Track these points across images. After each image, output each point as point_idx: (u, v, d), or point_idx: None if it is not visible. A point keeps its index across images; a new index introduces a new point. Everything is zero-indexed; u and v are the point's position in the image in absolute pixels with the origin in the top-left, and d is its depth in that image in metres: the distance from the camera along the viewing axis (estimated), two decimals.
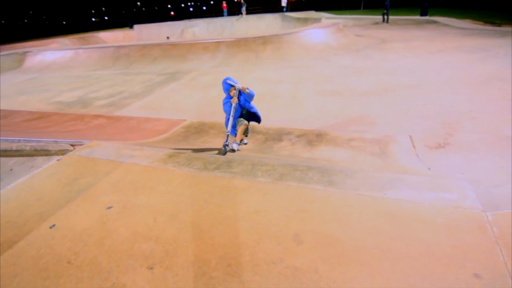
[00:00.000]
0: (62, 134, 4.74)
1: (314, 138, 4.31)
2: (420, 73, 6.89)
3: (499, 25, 12.86)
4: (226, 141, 3.44)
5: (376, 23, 17.73)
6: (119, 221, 2.22)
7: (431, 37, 11.56)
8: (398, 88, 5.99)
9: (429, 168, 3.27)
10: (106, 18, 71.51)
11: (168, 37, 21.25)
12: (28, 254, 2.03)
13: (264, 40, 10.66)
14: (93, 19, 71.40)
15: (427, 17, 17.52)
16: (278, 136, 4.42)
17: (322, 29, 11.56)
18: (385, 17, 17.45)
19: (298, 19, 20.10)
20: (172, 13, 56.84)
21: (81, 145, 3.50)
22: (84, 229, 2.18)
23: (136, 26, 24.85)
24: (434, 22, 15.65)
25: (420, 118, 4.61)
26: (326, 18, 19.18)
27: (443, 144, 3.92)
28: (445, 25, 14.44)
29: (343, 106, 5.39)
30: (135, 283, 1.69)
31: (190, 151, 3.32)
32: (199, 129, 4.98)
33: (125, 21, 35.73)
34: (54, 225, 2.27)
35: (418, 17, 17.97)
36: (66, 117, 6.16)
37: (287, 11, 20.73)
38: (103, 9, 76.52)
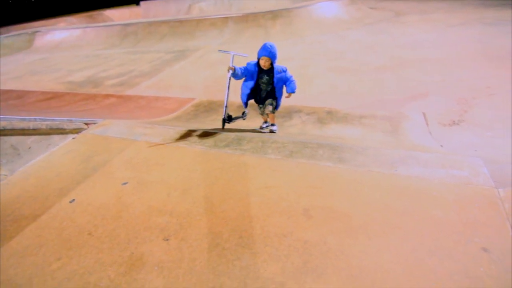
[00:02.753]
0: (76, 114, 4.84)
1: (325, 115, 4.26)
2: (438, 48, 6.58)
3: None
4: (224, 115, 3.28)
5: None
6: (135, 195, 2.31)
7: (451, 9, 10.89)
8: (413, 64, 5.77)
9: (441, 146, 3.21)
10: None
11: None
12: (51, 226, 2.15)
13: (274, 15, 10.29)
14: None
15: None
16: (288, 114, 4.39)
17: (334, 2, 11.03)
18: None
19: None
20: None
21: (94, 123, 3.58)
22: (101, 203, 2.29)
23: (142, 3, 24.24)
24: None
25: (435, 94, 4.47)
26: None
27: (458, 121, 3.82)
28: None
29: (355, 83, 5.26)
30: (152, 253, 1.78)
31: (200, 129, 3.35)
32: (209, 107, 4.99)
33: None
34: (73, 199, 2.39)
35: None
36: (78, 96, 6.25)
37: None
38: None
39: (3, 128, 2.85)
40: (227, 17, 10.69)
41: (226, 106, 3.23)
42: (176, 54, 8.84)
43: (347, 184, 2.13)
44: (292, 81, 3.18)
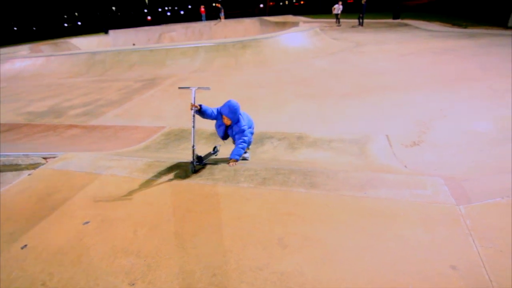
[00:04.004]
0: (34, 147, 4.51)
1: (296, 140, 4.35)
2: (394, 75, 7.16)
3: (465, 27, 13.62)
4: (193, 157, 2.85)
5: (352, 26, 18.28)
6: (97, 236, 2.13)
7: (404, 40, 12.05)
8: (374, 90, 6.19)
9: (405, 166, 3.38)
10: (79, 23, 69.12)
11: (134, 44, 20.87)
12: None
13: (243, 45, 10.69)
14: (66, 25, 68.79)
15: (399, 20, 18.29)
16: (259, 140, 4.43)
17: (300, 33, 11.76)
18: (361, 20, 18.02)
19: (276, 23, 20.37)
20: (149, 17, 55.89)
21: (54, 157, 3.34)
22: (59, 247, 2.08)
23: (111, 32, 24.23)
24: (406, 25, 16.35)
25: (396, 118, 4.78)
26: (304, 22, 19.56)
27: (418, 142, 4.08)
28: (416, 27, 15.11)
29: (323, 109, 5.49)
30: None
31: (171, 159, 3.25)
32: (180, 136, 4.90)
33: (99, 26, 34.75)
34: (25, 245, 2.15)
35: (391, 20, 18.73)
36: (37, 128, 5.87)
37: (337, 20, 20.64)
38: (76, 14, 73.95)
39: None
40: (197, 46, 10.92)
41: (193, 147, 2.83)
42: (145, 83, 8.74)
43: (320, 209, 2.13)
44: (237, 147, 2.98)
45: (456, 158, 3.50)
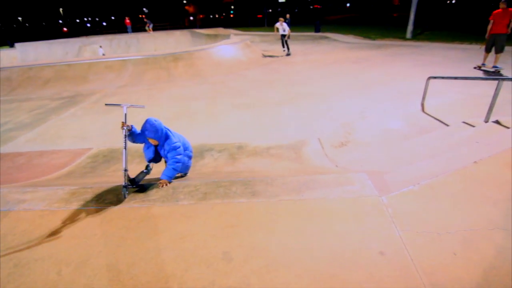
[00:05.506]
0: None
1: (236, 150, 4.39)
2: (320, 82, 7.83)
3: (374, 39, 15.74)
4: (125, 181, 2.58)
5: (279, 39, 19.46)
6: (11, 284, 1.79)
7: (326, 51, 13.32)
8: (304, 97, 6.66)
9: (336, 165, 3.70)
10: None
11: (101, 46, 18.90)
12: None
13: (175, 57, 10.44)
14: None
15: (320, 33, 20.17)
16: (199, 153, 4.33)
17: (232, 45, 12.02)
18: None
19: (208, 35, 20.47)
20: (65, 29, 50.58)
21: None
22: None
23: (18, 45, 21.09)
24: (326, 37, 18.12)
25: (325, 122, 5.21)
26: (235, 34, 20.09)
27: (345, 142, 4.52)
28: (335, 40, 16.87)
29: (260, 117, 5.67)
30: None
31: (99, 183, 2.94)
32: (109, 157, 4.49)
33: (3, 38, 30.02)
34: None
35: (313, 33, 20.52)
36: None
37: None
38: None
39: None
40: (125, 60, 10.26)
41: (125, 170, 2.57)
42: (64, 101, 7.82)
43: (262, 217, 2.18)
44: (169, 166, 2.76)
45: (377, 154, 3.97)
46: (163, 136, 2.74)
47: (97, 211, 2.41)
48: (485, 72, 7.38)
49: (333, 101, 6.22)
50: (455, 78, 5.08)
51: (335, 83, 7.59)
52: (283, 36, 12.46)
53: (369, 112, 5.48)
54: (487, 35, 7.23)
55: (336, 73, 8.73)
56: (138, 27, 27.42)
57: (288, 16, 19.35)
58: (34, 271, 1.89)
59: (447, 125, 4.64)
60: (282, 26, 12.24)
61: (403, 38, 14.89)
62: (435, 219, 2.02)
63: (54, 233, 2.20)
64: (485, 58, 7.61)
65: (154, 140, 2.74)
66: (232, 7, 67.74)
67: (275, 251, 1.87)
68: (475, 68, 7.76)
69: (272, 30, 14.07)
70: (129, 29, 25.06)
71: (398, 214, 2.07)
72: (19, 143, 5.24)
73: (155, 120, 2.70)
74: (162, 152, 2.84)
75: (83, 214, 2.37)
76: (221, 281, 1.69)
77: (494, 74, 7.04)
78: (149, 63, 10.14)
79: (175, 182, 2.78)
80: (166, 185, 2.70)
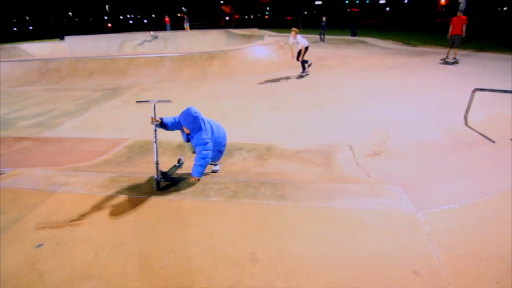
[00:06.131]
0: None
1: (265, 152, 4.39)
2: (354, 87, 7.61)
3: (414, 45, 15.03)
4: (157, 174, 2.68)
5: (314, 42, 19.21)
6: (53, 260, 1.94)
7: (361, 55, 12.94)
8: (336, 101, 6.51)
9: (368, 175, 3.58)
10: (30, 28, 64.17)
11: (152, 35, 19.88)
12: None
13: (210, 56, 10.69)
14: (15, 29, 63.43)
15: (356, 38, 19.63)
16: (229, 151, 4.39)
17: (265, 46, 12.07)
18: (322, 36, 19.04)
19: (243, 35, 20.72)
20: (109, 25, 53.77)
21: (1, 174, 3.00)
22: (8, 274, 1.85)
23: (67, 38, 22.77)
24: (363, 42, 17.61)
25: (357, 129, 5.06)
26: (269, 35, 20.15)
27: (378, 151, 4.35)
28: (372, 45, 16.34)
29: (289, 119, 5.64)
30: None
31: (135, 173, 3.09)
32: (144, 148, 4.69)
33: (54, 32, 32.58)
34: None
35: (349, 37, 20.04)
36: None
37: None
38: (27, 18, 68.59)
39: None
40: (163, 56, 10.69)
41: (157, 163, 2.66)
42: (106, 92, 8.31)
43: (290, 221, 2.16)
44: (196, 164, 2.80)
45: (412, 167, 3.78)
46: (196, 128, 2.78)
47: (132, 199, 2.53)
48: (448, 63, 9.87)
49: (367, 108, 6.02)
50: (504, 91, 4.70)
51: (370, 89, 7.34)
52: (298, 54, 9.00)
53: (406, 121, 5.23)
54: (448, 36, 9.86)
55: (372, 79, 8.45)
56: (177, 26, 28.42)
57: (324, 18, 19.08)
58: (74, 250, 2.03)
59: (493, 141, 4.30)
60: (296, 40, 8.66)
61: (447, 45, 14.06)
62: (477, 243, 1.88)
63: (93, 216, 2.35)
64: (448, 53, 10.22)
65: (186, 129, 2.82)
66: (268, 8, 68.03)
67: (302, 257, 1.85)
68: (440, 61, 10.21)
69: (306, 32, 13.76)
70: (168, 27, 26.05)
71: (436, 232, 1.96)
72: (64, 129, 5.65)
73: (195, 112, 2.74)
74: (192, 142, 2.92)
75: (119, 201, 2.51)
76: (247, 281, 1.70)
77: (454, 64, 9.64)
78: (185, 61, 10.47)
79: (206, 178, 2.84)
80: (197, 181, 2.77)
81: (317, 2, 63.22)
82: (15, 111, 7.01)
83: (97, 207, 2.46)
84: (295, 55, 9.03)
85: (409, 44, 15.49)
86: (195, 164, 2.80)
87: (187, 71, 10.12)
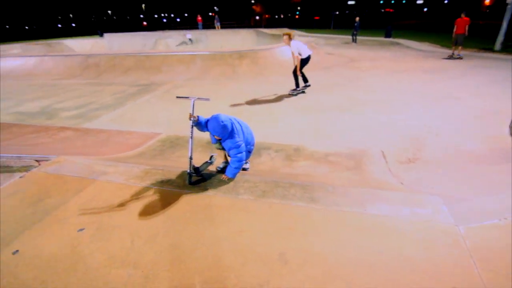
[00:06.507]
0: (25, 148, 4.38)
1: (293, 152, 4.37)
2: (387, 91, 7.34)
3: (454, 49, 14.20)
4: (190, 169, 2.79)
5: (346, 43, 18.76)
6: (93, 244, 2.07)
7: (395, 58, 12.44)
8: (367, 104, 6.32)
9: (402, 183, 3.44)
10: (73, 25, 68.56)
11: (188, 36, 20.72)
12: None
13: (240, 55, 10.80)
14: (59, 26, 68.09)
15: (391, 39, 18.89)
16: (256, 150, 4.42)
17: None
18: (354, 37, 18.54)
19: (273, 35, 20.69)
20: (144, 23, 56.04)
21: (47, 160, 3.25)
22: (52, 254, 2.00)
23: (106, 35, 24.08)
24: (397, 44, 16.90)
25: (390, 134, 4.87)
26: (299, 35, 19.97)
27: (413, 159, 4.16)
28: (407, 47, 15.63)
29: (318, 121, 5.56)
30: None
31: (168, 167, 3.21)
32: (175, 143, 4.85)
33: (94, 29, 34.54)
34: (17, 250, 2.06)
35: (383, 39, 19.32)
36: (28, 128, 5.72)
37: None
38: (71, 15, 73.37)
39: None
40: (194, 55, 10.96)
41: (191, 158, 2.76)
42: (140, 88, 8.68)
43: (321, 225, 2.14)
44: (232, 166, 2.83)
45: (450, 177, 3.58)
46: (227, 134, 2.79)
47: (165, 192, 2.63)
48: (453, 59, 11.11)
49: (400, 112, 5.78)
50: None
51: (404, 93, 7.04)
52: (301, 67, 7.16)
53: (443, 128, 4.96)
54: (453, 35, 11.20)
55: (406, 82, 8.09)
56: (208, 25, 29.04)
57: (357, 19, 18.56)
58: (112, 236, 2.15)
59: None
60: (295, 48, 6.90)
61: (491, 49, 13.11)
62: None
63: (129, 205, 2.47)
64: (453, 50, 11.47)
65: (217, 136, 2.83)
66: (299, 8, 67.37)
67: (332, 261, 1.83)
68: (447, 58, 11.41)
69: (338, 33, 13.28)
70: (200, 26, 26.67)
71: (478, 249, 1.84)
72: (102, 121, 5.99)
73: (222, 121, 2.72)
74: (225, 146, 2.93)
75: (154, 193, 2.62)
76: (276, 281, 1.71)
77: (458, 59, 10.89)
78: (216, 59, 10.66)
79: (237, 176, 2.88)
80: (230, 179, 2.82)
81: (350, 2, 61.51)
82: (58, 102, 7.53)
83: (133, 197, 2.58)
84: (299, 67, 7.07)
85: (447, 47, 14.64)
86: (230, 166, 2.82)
87: (217, 70, 10.30)
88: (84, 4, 72.56)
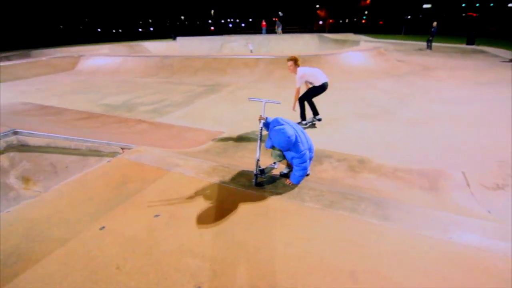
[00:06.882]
0: (108, 136, 4.98)
1: (356, 164, 4.14)
2: (469, 105, 6.49)
3: None
4: (256, 170, 2.79)
5: (419, 49, 17.24)
6: (167, 231, 2.23)
7: (479, 67, 10.97)
8: (445, 119, 5.67)
9: (489, 211, 2.98)
10: (151, 29, 76.53)
11: (249, 43, 21.98)
12: (79, 253, 2.08)
13: (303, 60, 10.66)
14: (140, 30, 76.65)
15: (474, 46, 16.77)
16: (317, 158, 4.30)
17: (362, 52, 11.43)
18: (430, 43, 16.94)
19: (336, 40, 20.12)
20: (212, 28, 59.64)
21: (129, 149, 3.63)
22: (132, 235, 2.21)
23: (178, 38, 26.25)
24: (482, 51, 14.91)
25: (472, 154, 4.29)
26: (365, 41, 19.02)
27: (502, 185, 3.59)
28: (495, 55, 13.69)
29: (386, 133, 5.18)
30: None
31: (233, 165, 3.31)
32: (237, 143, 5.00)
33: (168, 32, 38.03)
34: (103, 227, 2.33)
35: (464, 46, 17.26)
36: (112, 119, 6.50)
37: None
38: (150, 21, 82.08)
39: (47, 146, 2.93)
40: (258, 58, 11.23)
41: (258, 160, 2.78)
42: (207, 88, 9.21)
43: (396, 247, 1.96)
44: (296, 175, 2.75)
45: None
46: (291, 146, 2.69)
47: (232, 190, 2.71)
48: None
49: (485, 130, 5.05)
50: None
51: (490, 108, 6.14)
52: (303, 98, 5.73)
53: None
54: None
55: (491, 96, 7.05)
56: (272, 29, 29.56)
57: (435, 24, 16.91)
58: (183, 226, 2.29)
59: None
60: (300, 77, 5.38)
61: None
62: None
63: (199, 199, 2.60)
64: None
65: (280, 149, 2.74)
66: (366, 12, 64.28)
67: None
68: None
69: (409, 39, 12.23)
70: (264, 31, 27.28)
71: None
72: (173, 117, 6.50)
73: (288, 136, 2.59)
74: (287, 155, 2.83)
75: (221, 189, 2.72)
76: None
77: None
78: (278, 63, 10.76)
79: (301, 182, 2.83)
80: (293, 185, 2.78)
81: (425, 6, 56.44)
82: (137, 97, 8.42)
83: (203, 191, 2.72)
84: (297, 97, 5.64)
85: None
86: (294, 174, 2.76)
87: (279, 73, 10.37)
88: (161, 11, 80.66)
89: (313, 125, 5.82)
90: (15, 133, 2.75)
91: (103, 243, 2.15)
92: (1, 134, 2.67)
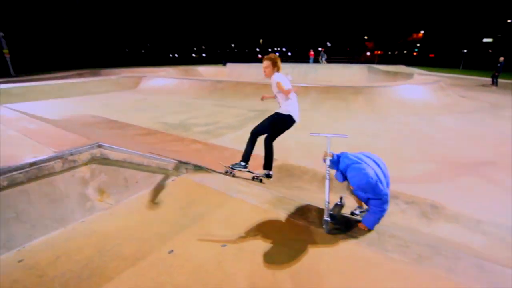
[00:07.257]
0: (166, 153, 5.17)
1: (429, 209, 3.71)
2: None
3: None
4: (326, 215, 2.46)
5: (483, 85, 15.97)
6: (235, 264, 2.11)
7: None
8: None
9: None
10: (204, 55, 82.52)
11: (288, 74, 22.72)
12: (149, 276, 2.04)
13: (356, 90, 10.47)
14: (194, 55, 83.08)
15: None
16: None
17: (420, 86, 10.84)
18: (495, 79, 15.62)
19: (387, 72, 19.51)
20: (259, 56, 62.31)
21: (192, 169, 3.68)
22: (200, 263, 2.13)
23: (228, 64, 27.70)
24: None
25: None
26: (419, 74, 18.17)
27: None
28: None
29: (458, 175, 4.65)
30: None
31: (298, 197, 3.15)
32: (291, 172, 4.85)
33: (219, 59, 40.54)
34: (172, 250, 2.29)
35: None
36: (170, 137, 6.81)
37: None
38: (203, 47, 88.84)
39: (123, 160, 3.08)
40: (309, 86, 11.24)
41: (327, 202, 2.49)
42: (258, 113, 9.35)
43: None
44: (373, 216, 2.45)
45: None
46: (370, 187, 2.38)
47: (301, 226, 2.54)
48: None
49: None
50: None
51: None
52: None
53: None
54: None
55: None
56: (318, 59, 29.92)
57: (502, 59, 15.65)
58: (252, 261, 2.15)
59: None
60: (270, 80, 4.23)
61: None
62: None
63: (267, 232, 2.47)
64: None
65: (358, 189, 2.50)
66: (418, 45, 62.37)
67: None
68: None
69: (467, 73, 11.23)
70: (311, 60, 27.66)
71: None
72: (226, 139, 6.62)
73: (371, 178, 2.34)
74: (363, 195, 2.53)
75: (290, 224, 2.56)
76: None
77: None
78: (330, 92, 10.64)
79: (379, 227, 2.54)
80: (366, 229, 2.50)
81: (485, 40, 53.09)
82: (192, 117, 8.81)
83: (269, 223, 2.59)
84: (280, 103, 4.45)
85: None
86: (369, 215, 2.48)
87: (330, 103, 10.21)
88: (213, 39, 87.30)
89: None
90: (99, 146, 2.94)
91: (171, 268, 2.09)
92: (87, 147, 2.87)
